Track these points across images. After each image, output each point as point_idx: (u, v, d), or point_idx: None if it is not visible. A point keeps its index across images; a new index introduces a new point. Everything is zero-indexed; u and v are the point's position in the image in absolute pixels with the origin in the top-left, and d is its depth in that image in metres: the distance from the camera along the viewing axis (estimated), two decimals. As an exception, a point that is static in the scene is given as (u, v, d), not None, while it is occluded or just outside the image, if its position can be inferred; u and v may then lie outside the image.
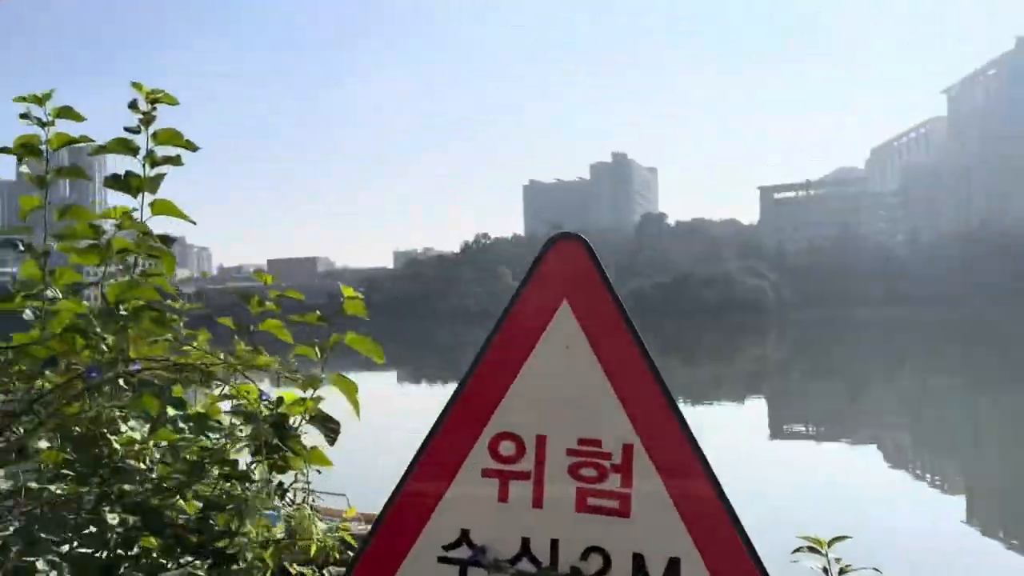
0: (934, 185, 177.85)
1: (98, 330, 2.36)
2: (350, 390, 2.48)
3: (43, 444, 2.21)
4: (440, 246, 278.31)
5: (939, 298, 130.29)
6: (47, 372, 2.33)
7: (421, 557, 1.83)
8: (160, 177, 2.58)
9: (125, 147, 2.57)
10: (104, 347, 2.35)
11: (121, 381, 2.35)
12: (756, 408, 39.76)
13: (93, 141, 2.60)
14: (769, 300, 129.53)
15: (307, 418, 2.42)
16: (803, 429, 31.73)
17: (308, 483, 2.43)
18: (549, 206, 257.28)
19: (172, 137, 2.58)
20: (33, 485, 2.10)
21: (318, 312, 2.73)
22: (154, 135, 2.55)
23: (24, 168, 2.58)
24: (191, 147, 2.61)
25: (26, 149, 2.55)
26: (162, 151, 2.60)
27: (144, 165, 2.57)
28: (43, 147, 2.55)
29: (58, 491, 2.11)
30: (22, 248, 2.51)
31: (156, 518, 2.11)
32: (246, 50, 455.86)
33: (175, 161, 2.60)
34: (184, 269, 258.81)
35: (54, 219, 2.58)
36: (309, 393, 2.45)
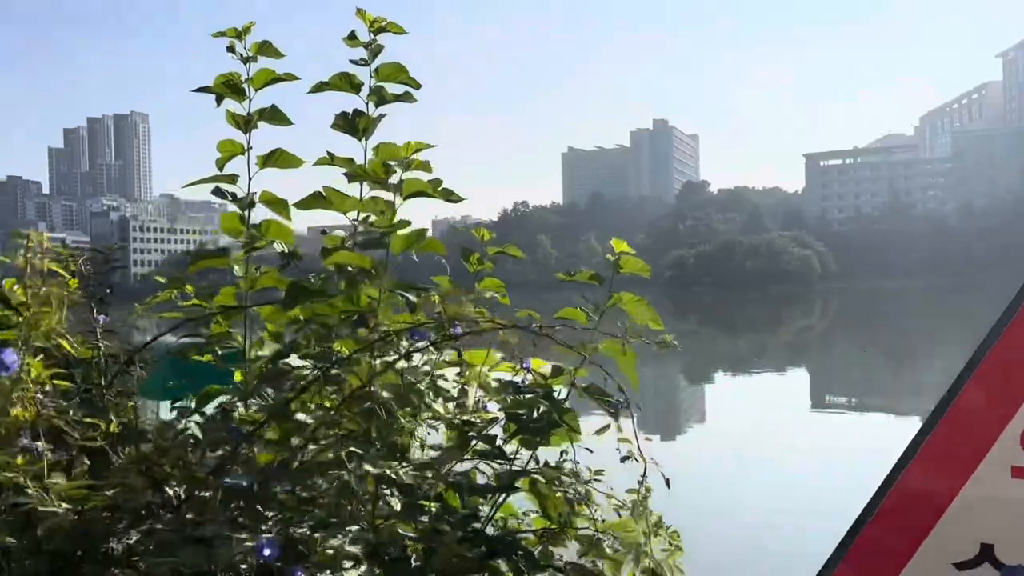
0: (988, 151, 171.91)
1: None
2: (627, 360, 2.19)
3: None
4: (477, 214, 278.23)
5: (992, 267, 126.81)
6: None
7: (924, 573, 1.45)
8: (380, 118, 2.36)
9: (348, 84, 2.32)
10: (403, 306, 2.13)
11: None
12: (798, 377, 38.76)
13: (297, 78, 2.41)
14: (814, 270, 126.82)
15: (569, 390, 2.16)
16: (845, 400, 30.77)
17: (576, 464, 2.08)
18: (588, 174, 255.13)
19: (396, 72, 2.33)
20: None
21: (589, 270, 2.44)
22: (376, 71, 2.32)
23: (230, 107, 2.35)
24: (414, 84, 2.37)
25: (228, 87, 2.32)
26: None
27: (367, 104, 2.33)
28: (245, 85, 2.33)
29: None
30: (228, 198, 2.35)
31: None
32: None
33: (406, 98, 2.37)
34: (225, 236, 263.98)
35: (257, 166, 2.38)
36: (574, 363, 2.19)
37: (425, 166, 2.32)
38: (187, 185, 2.54)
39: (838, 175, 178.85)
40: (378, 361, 1.94)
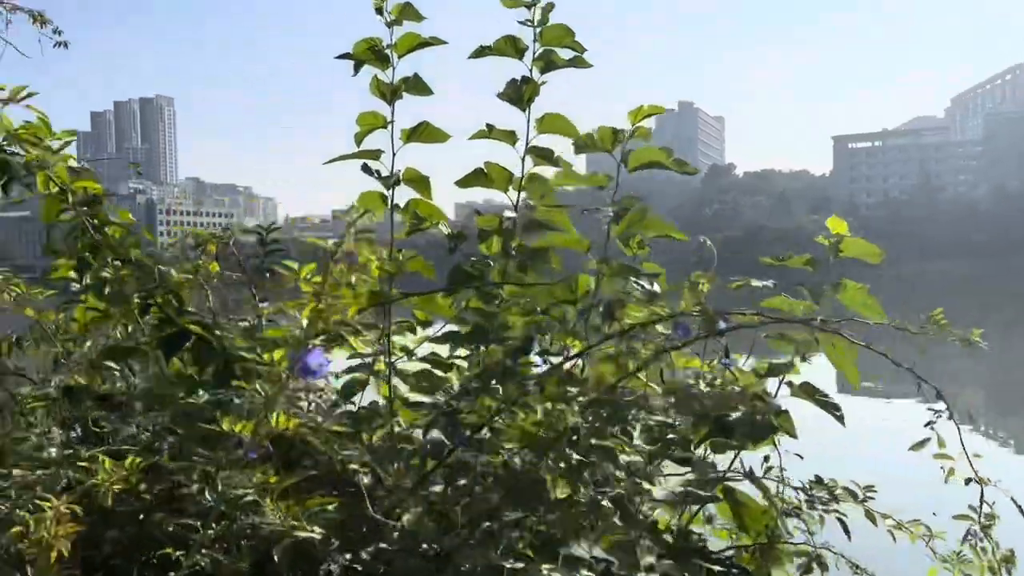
0: (1021, 133, 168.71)
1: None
2: (840, 352, 1.95)
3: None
4: (502, 197, 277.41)
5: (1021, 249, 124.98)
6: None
7: None
8: (540, 86, 2.21)
9: (513, 48, 2.17)
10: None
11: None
12: (827, 369, 39.18)
13: (444, 42, 2.21)
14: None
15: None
16: (872, 385, 31.46)
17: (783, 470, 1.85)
18: (610, 157, 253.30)
19: (563, 35, 2.14)
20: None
21: (804, 255, 2.27)
22: (540, 34, 2.13)
23: (375, 73, 2.17)
24: (580, 48, 2.17)
25: (372, 54, 2.13)
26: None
27: (532, 70, 2.18)
28: (389, 52, 2.15)
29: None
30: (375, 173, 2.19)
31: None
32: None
33: (580, 63, 2.18)
34: (252, 218, 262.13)
35: (401, 140, 2.21)
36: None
37: (647, 134, 2.12)
38: (330, 161, 2.35)
39: (867, 158, 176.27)
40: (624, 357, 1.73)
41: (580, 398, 1.65)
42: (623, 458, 1.71)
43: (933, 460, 1.80)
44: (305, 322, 1.21)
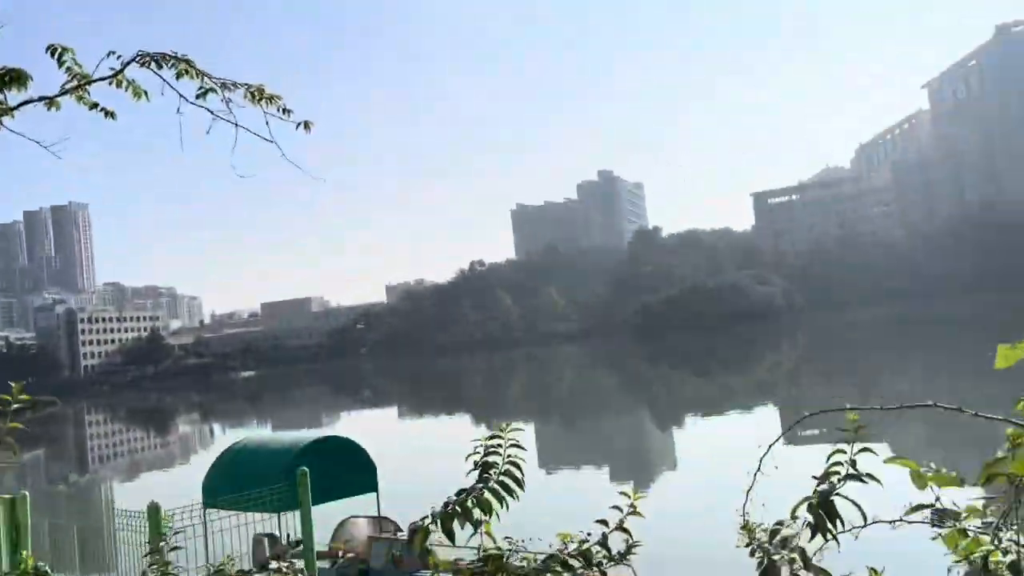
0: (926, 177, 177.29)
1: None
2: None
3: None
4: (432, 276, 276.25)
5: (943, 290, 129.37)
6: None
7: None
8: None
9: None
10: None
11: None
12: (771, 415, 39.08)
13: None
14: (780, 306, 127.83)
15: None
16: (816, 432, 31.16)
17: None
18: (539, 228, 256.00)
19: None
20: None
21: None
22: None
23: None
24: None
25: None
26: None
27: None
28: None
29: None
30: None
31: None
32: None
33: None
34: (175, 320, 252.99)
35: None
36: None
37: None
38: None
39: (787, 211, 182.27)
40: None
41: None
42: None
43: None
44: None
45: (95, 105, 3.42)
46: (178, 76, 3.35)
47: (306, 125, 3.63)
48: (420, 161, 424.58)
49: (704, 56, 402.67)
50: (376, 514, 12.64)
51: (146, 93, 3.48)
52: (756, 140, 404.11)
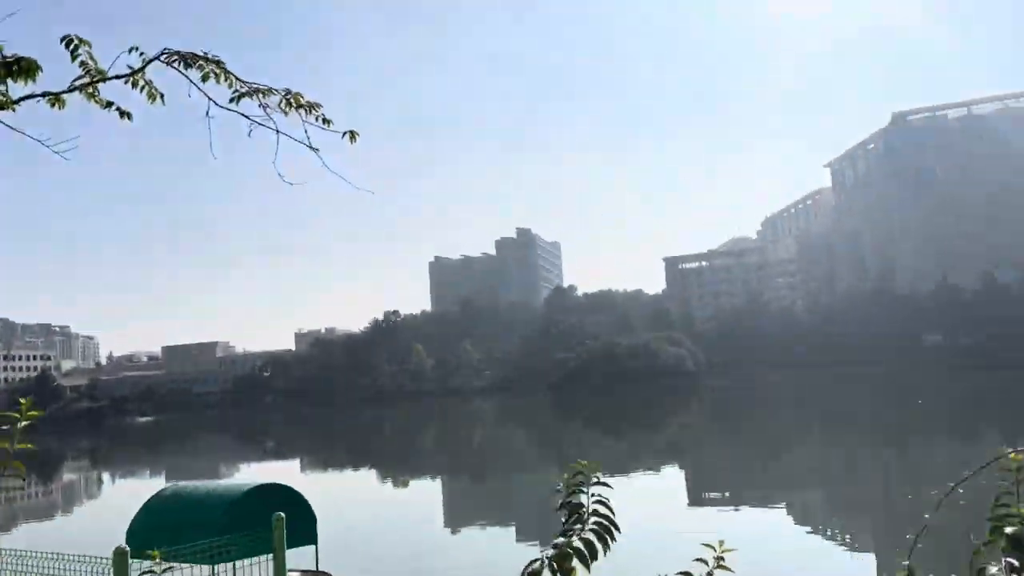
0: (828, 250, 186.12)
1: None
2: None
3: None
4: (344, 325, 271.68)
5: (843, 360, 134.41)
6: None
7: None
8: None
9: None
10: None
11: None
12: (677, 476, 39.86)
13: None
14: (690, 369, 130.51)
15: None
16: (720, 495, 31.81)
17: None
18: (456, 282, 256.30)
19: None
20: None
21: None
22: None
23: None
24: None
25: None
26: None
27: None
28: None
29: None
30: None
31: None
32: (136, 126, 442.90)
33: None
34: (69, 360, 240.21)
35: None
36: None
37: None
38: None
39: (697, 277, 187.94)
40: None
41: None
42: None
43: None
44: None
45: (110, 104, 3.16)
46: (204, 78, 3.13)
47: (352, 136, 3.43)
48: (333, 207, 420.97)
49: (624, 121, 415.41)
50: (315, 567, 11.96)
51: (162, 96, 3.25)
52: (667, 206, 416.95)
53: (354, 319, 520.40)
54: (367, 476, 49.76)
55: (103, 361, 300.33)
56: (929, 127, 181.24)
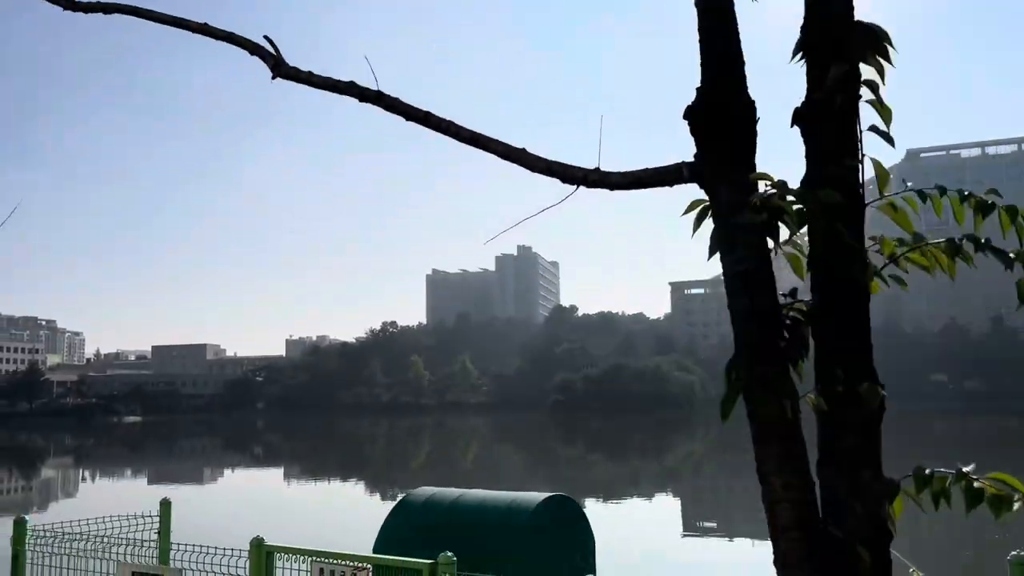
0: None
1: None
2: None
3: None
4: (337, 334, 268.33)
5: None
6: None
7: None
8: None
9: None
10: None
11: None
12: (674, 505, 39.04)
13: None
14: (697, 395, 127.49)
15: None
16: (713, 525, 31.36)
17: None
18: (453, 296, 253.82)
19: None
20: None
21: None
22: None
23: None
24: None
25: None
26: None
27: None
28: None
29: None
30: None
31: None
32: (138, 116, 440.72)
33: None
34: (55, 355, 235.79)
35: None
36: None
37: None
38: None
39: (701, 303, 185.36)
40: None
41: None
42: None
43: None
44: None
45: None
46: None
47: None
48: (333, 220, 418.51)
49: (622, 138, 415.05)
50: None
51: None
52: (667, 231, 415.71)
53: (345, 328, 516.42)
54: (355, 489, 46.94)
55: (89, 357, 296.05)
56: (943, 165, 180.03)
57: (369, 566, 6.27)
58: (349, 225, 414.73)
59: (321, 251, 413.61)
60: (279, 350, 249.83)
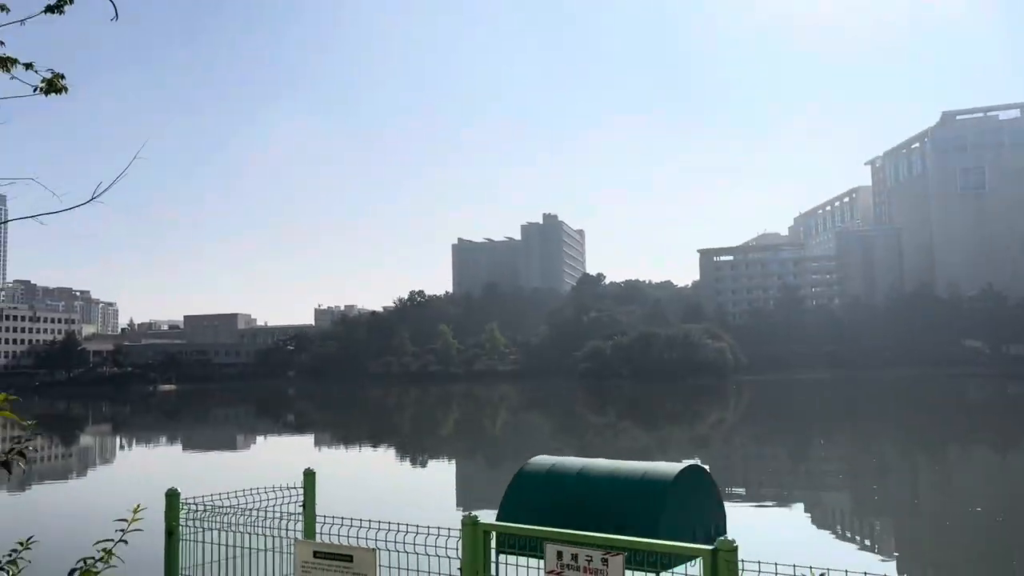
0: (867, 250, 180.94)
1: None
2: None
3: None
4: (364, 304, 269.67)
5: (880, 361, 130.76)
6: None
7: None
8: None
9: None
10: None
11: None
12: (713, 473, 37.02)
13: None
14: (728, 363, 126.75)
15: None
16: (743, 492, 31.01)
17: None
18: (479, 265, 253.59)
19: None
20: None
21: None
22: None
23: None
24: None
25: None
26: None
27: None
28: None
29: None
30: None
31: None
32: (167, 87, 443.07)
33: None
34: (89, 325, 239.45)
35: None
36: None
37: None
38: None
39: (731, 270, 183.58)
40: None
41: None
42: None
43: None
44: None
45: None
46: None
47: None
48: (361, 191, 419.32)
49: (656, 119, 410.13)
50: None
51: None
52: (695, 198, 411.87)
53: (373, 298, 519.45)
54: (386, 455, 47.15)
55: (123, 327, 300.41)
56: (979, 128, 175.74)
57: (622, 552, 5.17)
58: (371, 197, 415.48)
59: (346, 222, 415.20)
60: (308, 319, 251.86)
